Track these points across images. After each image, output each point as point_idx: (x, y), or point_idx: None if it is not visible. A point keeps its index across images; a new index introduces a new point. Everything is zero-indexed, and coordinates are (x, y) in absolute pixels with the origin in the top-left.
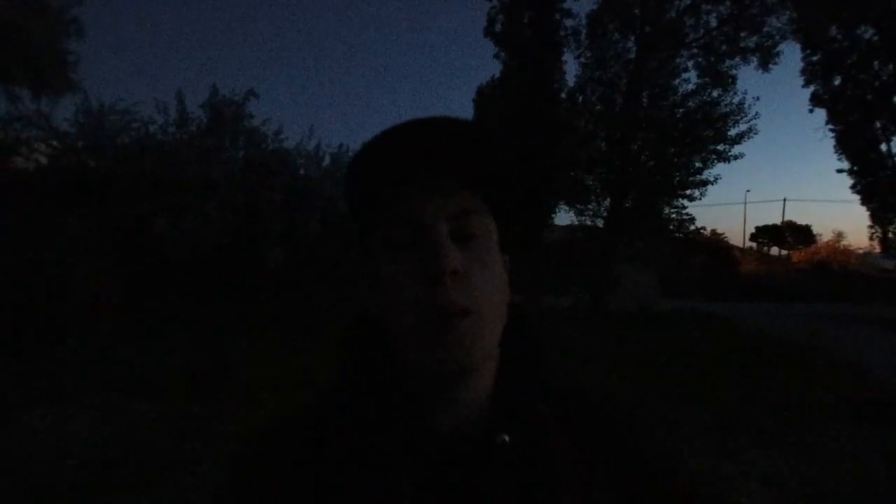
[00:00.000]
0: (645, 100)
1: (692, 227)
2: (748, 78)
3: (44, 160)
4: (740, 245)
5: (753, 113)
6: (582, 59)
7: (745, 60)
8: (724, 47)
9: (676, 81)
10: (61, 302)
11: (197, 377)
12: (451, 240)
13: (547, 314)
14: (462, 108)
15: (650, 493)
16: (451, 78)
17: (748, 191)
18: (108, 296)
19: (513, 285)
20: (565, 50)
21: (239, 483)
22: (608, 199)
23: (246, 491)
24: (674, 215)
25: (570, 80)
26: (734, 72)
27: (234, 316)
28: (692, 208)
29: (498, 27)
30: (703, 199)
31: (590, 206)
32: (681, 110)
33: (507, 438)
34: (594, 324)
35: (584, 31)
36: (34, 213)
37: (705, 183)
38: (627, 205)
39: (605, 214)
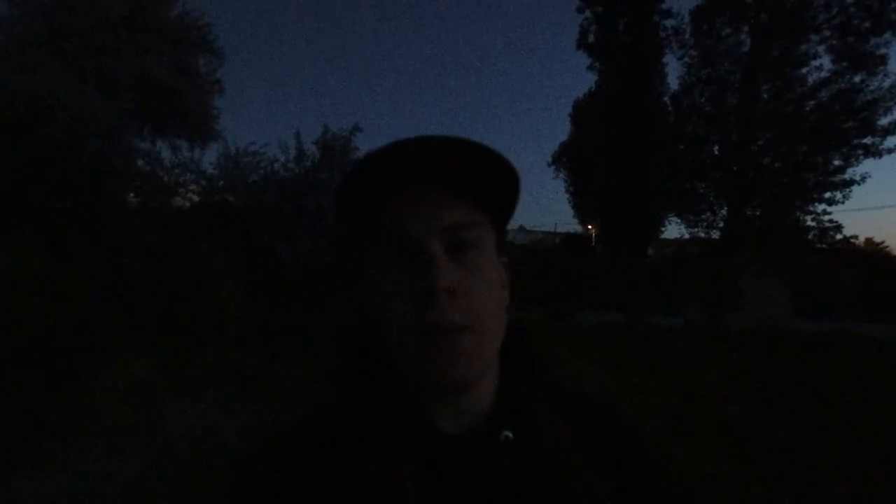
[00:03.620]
0: (765, 95)
1: (839, 237)
2: None
3: (195, 198)
4: None
5: None
6: (686, 60)
7: None
8: (866, 24)
9: (804, 70)
10: (202, 313)
11: (303, 380)
12: (445, 252)
13: (649, 332)
14: (560, 126)
15: (647, 482)
16: (547, 97)
17: None
18: (237, 308)
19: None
20: (666, 52)
21: (246, 488)
22: (724, 208)
23: (253, 496)
24: (812, 223)
25: (673, 83)
26: (883, 51)
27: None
28: (840, 214)
29: (591, 37)
30: (846, 202)
31: (703, 217)
32: (811, 102)
33: (510, 435)
34: (704, 344)
35: (688, 28)
36: (188, 241)
37: (849, 184)
38: (749, 213)
39: (720, 225)
